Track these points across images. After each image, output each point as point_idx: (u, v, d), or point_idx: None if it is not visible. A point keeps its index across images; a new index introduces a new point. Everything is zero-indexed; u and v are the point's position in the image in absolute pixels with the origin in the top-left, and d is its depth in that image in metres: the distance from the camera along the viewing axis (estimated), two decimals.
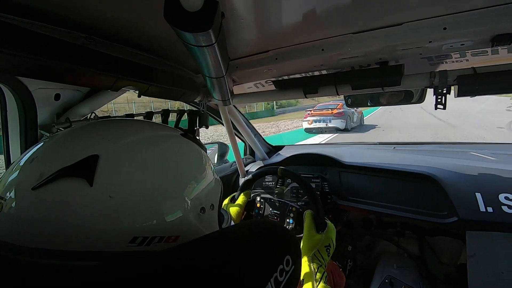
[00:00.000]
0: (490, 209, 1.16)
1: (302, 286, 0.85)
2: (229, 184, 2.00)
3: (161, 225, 0.48)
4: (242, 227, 0.48)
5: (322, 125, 12.67)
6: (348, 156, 1.70)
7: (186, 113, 1.17)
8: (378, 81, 1.07)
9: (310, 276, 0.88)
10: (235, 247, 0.43)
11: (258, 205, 1.31)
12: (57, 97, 0.98)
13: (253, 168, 1.99)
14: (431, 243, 1.65)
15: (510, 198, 1.15)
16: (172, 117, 1.00)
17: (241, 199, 1.30)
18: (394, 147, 1.98)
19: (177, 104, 5.45)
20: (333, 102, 13.20)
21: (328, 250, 0.97)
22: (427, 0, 0.70)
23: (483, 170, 1.34)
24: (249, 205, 1.34)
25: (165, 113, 1.02)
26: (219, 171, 1.94)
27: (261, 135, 2.23)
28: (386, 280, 1.43)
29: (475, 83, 0.93)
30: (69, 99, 1.03)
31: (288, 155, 1.89)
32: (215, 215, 0.65)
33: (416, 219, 1.33)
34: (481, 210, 1.17)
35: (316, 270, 0.89)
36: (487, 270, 1.35)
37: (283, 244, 0.48)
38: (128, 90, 0.97)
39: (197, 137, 1.16)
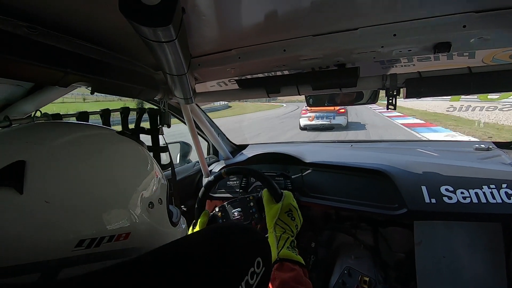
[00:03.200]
0: (433, 200, 1.28)
1: None
2: (192, 184, 1.95)
3: (108, 224, 0.47)
4: (208, 233, 0.47)
5: (325, 122, 11.66)
6: (309, 154, 1.76)
7: (146, 112, 1.12)
8: (336, 82, 1.12)
9: (272, 244, 0.90)
10: (200, 255, 0.41)
11: (219, 215, 1.29)
12: None
13: (216, 167, 1.97)
14: (383, 234, 1.78)
15: (450, 189, 1.29)
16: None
17: (201, 222, 1.22)
18: (352, 145, 2.10)
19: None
20: None
21: (290, 215, 0.99)
22: (378, 8, 0.76)
23: (428, 165, 1.48)
24: (212, 219, 1.29)
25: (125, 112, 0.97)
26: (182, 172, 1.89)
27: (224, 134, 2.21)
28: (345, 271, 1.51)
29: (420, 86, 1.02)
30: (9, 95, 0.93)
31: (252, 154, 1.90)
32: (164, 210, 0.65)
33: (370, 212, 1.42)
34: (426, 201, 1.29)
35: (278, 237, 0.91)
36: (431, 255, 1.51)
37: (253, 246, 0.47)
38: (80, 86, 0.90)
39: (161, 135, 1.12)
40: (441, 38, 0.86)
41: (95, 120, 0.86)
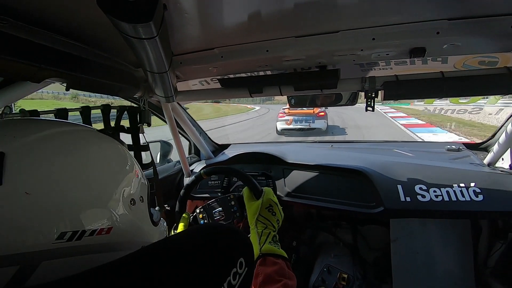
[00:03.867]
0: (408, 199, 1.34)
1: None
2: (173, 184, 1.92)
3: (90, 217, 0.47)
4: (190, 234, 0.47)
5: (304, 125, 10.87)
6: (291, 154, 1.78)
7: (126, 110, 1.09)
8: (318, 83, 1.14)
9: (254, 241, 0.90)
10: (183, 256, 0.41)
11: (201, 216, 1.28)
12: None
13: (198, 167, 1.95)
14: (362, 232, 1.84)
15: (424, 188, 1.35)
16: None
17: (181, 226, 1.18)
18: (332, 145, 2.15)
19: None
20: None
21: (271, 211, 1.00)
22: (359, 12, 0.79)
23: (403, 165, 1.54)
24: (193, 221, 1.26)
25: (106, 109, 0.93)
26: (162, 171, 1.85)
27: (206, 133, 2.19)
28: (325, 269, 1.54)
29: (397, 89, 1.06)
30: None
31: (234, 154, 1.90)
32: (146, 208, 0.66)
33: (350, 211, 1.46)
34: (401, 200, 1.34)
35: (260, 233, 0.91)
36: (406, 252, 1.57)
37: (236, 247, 0.47)
38: (54, 82, 0.86)
39: (142, 134, 1.10)
40: (417, 43, 0.90)
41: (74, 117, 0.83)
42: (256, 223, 0.96)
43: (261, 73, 1.26)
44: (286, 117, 11.01)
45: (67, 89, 0.90)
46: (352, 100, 1.39)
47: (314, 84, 1.15)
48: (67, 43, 0.82)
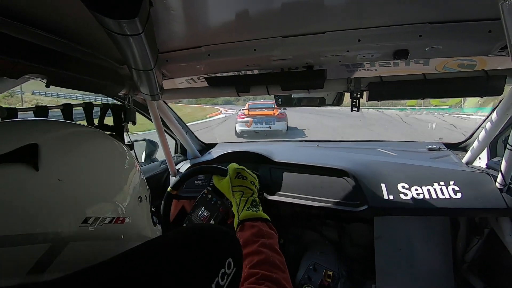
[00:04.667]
0: (391, 197, 1.37)
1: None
2: (158, 184, 1.88)
3: (109, 207, 0.53)
4: (178, 234, 0.47)
5: (265, 127, 10.70)
6: (277, 153, 1.79)
7: (110, 108, 1.06)
8: (305, 83, 1.15)
9: (235, 212, 0.93)
10: (171, 257, 0.41)
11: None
12: None
13: (184, 166, 1.93)
14: (347, 230, 1.87)
15: (406, 187, 1.39)
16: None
17: None
18: (318, 145, 2.17)
19: None
20: (265, 101, 11.40)
21: (241, 177, 1.02)
22: (345, 14, 0.80)
23: (387, 164, 1.58)
24: None
25: (88, 107, 0.90)
26: (148, 171, 1.82)
27: (193, 132, 2.17)
28: (311, 267, 1.56)
29: (382, 90, 1.08)
30: None
31: (221, 153, 1.89)
32: (148, 207, 0.70)
33: (335, 209, 1.48)
34: (385, 198, 1.37)
35: (239, 202, 0.93)
36: (389, 248, 1.62)
37: (224, 247, 0.47)
38: (33, 78, 0.83)
39: (126, 133, 1.07)
40: (400, 46, 0.93)
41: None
42: (234, 195, 0.97)
43: (249, 72, 1.26)
44: (246, 119, 10.80)
45: (47, 86, 0.87)
46: (338, 100, 1.42)
47: (301, 84, 1.16)
48: (47, 38, 0.79)
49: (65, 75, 0.85)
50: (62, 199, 0.45)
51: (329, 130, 13.33)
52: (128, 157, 0.64)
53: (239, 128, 10.95)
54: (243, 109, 11.58)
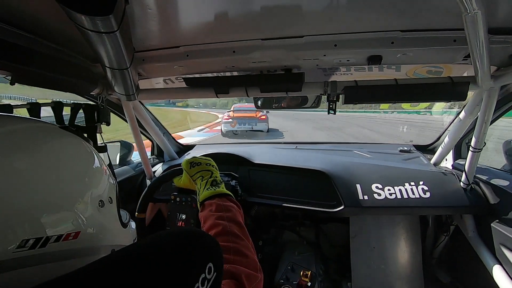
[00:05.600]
0: (366, 197, 1.42)
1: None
2: (134, 186, 1.82)
3: (55, 222, 0.43)
4: (152, 241, 0.44)
5: (247, 127, 11.87)
6: (257, 155, 1.80)
7: (82, 108, 1.01)
8: (283, 86, 1.17)
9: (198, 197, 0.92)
10: (145, 266, 0.38)
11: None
12: None
13: (161, 169, 1.88)
14: (324, 230, 1.92)
15: (379, 187, 1.44)
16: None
17: None
18: (296, 147, 2.20)
19: None
20: (249, 104, 12.12)
21: (195, 165, 1.00)
22: (322, 19, 0.83)
23: (362, 165, 1.63)
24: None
25: (57, 106, 0.85)
26: (123, 173, 1.75)
27: (170, 134, 2.12)
28: (289, 267, 1.58)
29: (357, 93, 1.12)
30: None
31: (199, 155, 1.86)
32: (115, 209, 0.63)
33: (313, 210, 1.51)
34: (360, 198, 1.42)
35: (199, 187, 0.93)
36: (363, 247, 1.67)
37: (203, 252, 0.46)
38: None
39: (99, 133, 1.03)
40: (374, 52, 0.97)
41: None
42: (196, 184, 0.96)
43: (228, 74, 1.25)
44: (230, 120, 11.91)
45: (12, 83, 0.81)
46: (317, 103, 1.45)
47: (279, 87, 1.17)
48: (11, 32, 0.74)
49: (31, 72, 0.80)
50: None
51: (308, 130, 14.50)
52: (83, 155, 0.57)
53: (224, 128, 11.95)
54: (228, 111, 12.84)
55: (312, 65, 1.12)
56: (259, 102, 1.54)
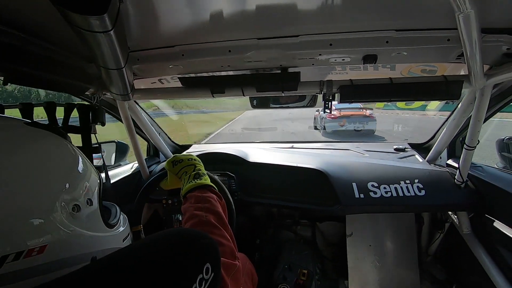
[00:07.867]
0: (362, 196, 1.43)
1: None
2: (129, 187, 1.81)
3: (10, 237, 0.36)
4: (155, 241, 0.43)
5: (359, 127, 10.75)
6: (253, 155, 1.80)
7: (76, 108, 0.99)
8: (279, 85, 1.17)
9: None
10: (143, 267, 0.38)
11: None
12: None
13: (157, 169, 1.87)
14: (321, 229, 1.92)
15: (375, 185, 1.45)
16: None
17: None
18: (292, 146, 2.21)
19: None
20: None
21: (177, 163, 1.00)
22: (317, 18, 0.83)
23: (358, 164, 1.64)
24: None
25: (50, 106, 0.84)
26: (118, 174, 1.74)
27: (166, 133, 2.11)
28: (286, 266, 1.59)
29: (352, 92, 1.13)
30: None
31: (196, 155, 1.86)
32: (96, 211, 0.57)
33: (309, 209, 1.52)
34: (356, 197, 1.43)
35: (183, 181, 0.93)
36: (360, 245, 1.68)
37: (201, 253, 0.45)
38: None
39: (94, 134, 1.01)
40: (369, 51, 0.98)
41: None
42: (182, 180, 0.96)
43: (223, 73, 1.25)
44: (337, 119, 10.80)
45: (4, 84, 0.80)
46: (313, 102, 1.45)
47: (275, 86, 1.17)
48: (4, 31, 0.73)
49: (25, 73, 0.79)
50: None
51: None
52: (56, 156, 0.51)
53: (330, 127, 10.83)
54: (319, 109, 11.06)
55: (307, 64, 1.12)
56: (255, 102, 1.54)
